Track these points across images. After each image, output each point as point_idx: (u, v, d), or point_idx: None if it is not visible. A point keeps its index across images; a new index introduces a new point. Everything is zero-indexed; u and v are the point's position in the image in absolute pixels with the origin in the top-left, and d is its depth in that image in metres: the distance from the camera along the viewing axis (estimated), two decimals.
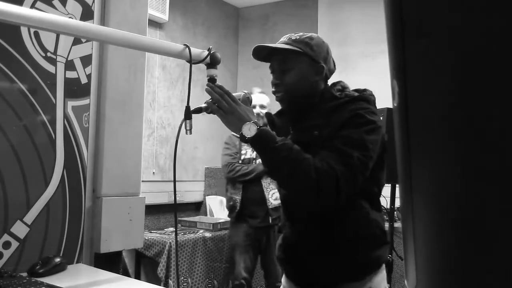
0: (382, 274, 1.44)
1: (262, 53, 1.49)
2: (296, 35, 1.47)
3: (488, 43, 0.39)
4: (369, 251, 1.40)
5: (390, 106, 0.64)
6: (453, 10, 0.41)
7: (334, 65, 1.54)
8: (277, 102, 1.50)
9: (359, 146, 1.29)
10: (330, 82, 1.54)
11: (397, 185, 2.61)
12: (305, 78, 1.45)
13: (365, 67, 4.34)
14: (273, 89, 1.48)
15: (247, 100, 1.44)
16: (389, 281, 2.73)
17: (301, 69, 1.44)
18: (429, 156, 0.45)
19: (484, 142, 0.41)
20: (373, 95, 1.44)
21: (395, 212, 2.88)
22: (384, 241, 1.45)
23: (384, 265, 1.45)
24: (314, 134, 1.36)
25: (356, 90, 1.45)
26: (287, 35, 1.49)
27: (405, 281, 0.53)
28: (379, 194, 1.46)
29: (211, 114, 1.38)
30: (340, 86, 1.47)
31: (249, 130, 1.29)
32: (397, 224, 2.90)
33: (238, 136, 1.33)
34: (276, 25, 4.92)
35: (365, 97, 1.40)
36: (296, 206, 1.49)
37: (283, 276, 1.60)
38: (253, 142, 1.30)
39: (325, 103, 1.42)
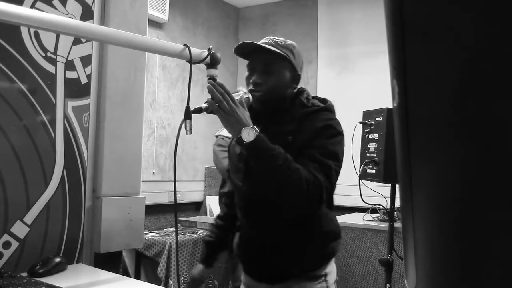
0: (333, 264, 1.60)
1: (244, 50, 1.52)
2: (280, 39, 1.52)
3: (488, 42, 0.39)
4: (327, 245, 1.55)
5: (390, 106, 0.64)
6: (453, 10, 0.41)
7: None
8: (254, 101, 1.51)
9: (334, 157, 1.42)
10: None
11: (397, 185, 2.61)
12: (285, 83, 1.51)
13: (365, 67, 4.34)
14: (252, 88, 1.49)
15: (247, 101, 1.44)
16: (389, 281, 2.73)
17: (283, 74, 1.50)
18: (429, 156, 0.45)
19: (484, 142, 0.41)
20: (333, 106, 1.57)
21: (395, 212, 2.88)
22: (339, 235, 1.60)
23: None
24: (288, 139, 1.44)
25: (315, 98, 1.57)
26: (271, 37, 1.53)
27: (405, 281, 0.53)
28: (333, 193, 1.56)
29: (211, 114, 1.38)
30: (306, 94, 1.56)
31: (248, 135, 1.32)
32: (397, 224, 2.90)
33: (231, 137, 1.34)
34: (276, 25, 4.93)
35: (329, 108, 1.53)
36: (263, 207, 1.51)
37: (242, 273, 1.67)
38: (251, 147, 1.33)
39: (296, 110, 1.50)
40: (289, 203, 1.43)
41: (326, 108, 1.51)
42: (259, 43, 1.50)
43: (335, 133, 1.46)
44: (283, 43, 1.50)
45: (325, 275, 1.54)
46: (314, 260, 1.54)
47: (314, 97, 1.57)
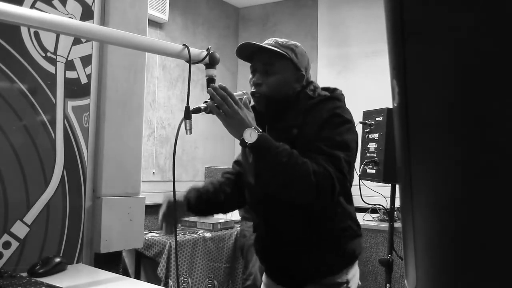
0: (356, 267, 1.53)
1: (247, 52, 1.50)
2: (282, 40, 1.51)
3: (488, 42, 0.39)
4: (345, 244, 1.48)
5: (390, 106, 0.64)
6: (454, 10, 0.41)
7: (310, 77, 1.58)
8: (256, 103, 1.50)
9: (342, 147, 1.36)
10: None
11: (397, 185, 2.61)
12: (287, 83, 1.48)
13: (365, 67, 4.34)
14: (253, 89, 1.48)
15: (247, 100, 1.43)
16: (389, 281, 2.73)
17: (284, 74, 1.47)
18: (429, 156, 0.45)
19: (484, 142, 0.41)
20: (343, 94, 1.52)
21: (395, 212, 2.88)
22: (358, 234, 1.53)
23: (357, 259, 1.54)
24: (293, 132, 1.41)
25: (325, 89, 1.53)
26: (272, 39, 1.52)
27: (405, 281, 0.53)
28: (350, 187, 1.51)
29: (211, 114, 1.38)
30: (313, 86, 1.52)
31: (250, 136, 1.31)
32: (397, 224, 2.90)
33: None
34: (276, 25, 4.93)
35: (337, 96, 1.48)
36: (278, 206, 1.47)
37: (264, 273, 1.65)
38: (254, 148, 1.32)
39: (301, 103, 1.46)
40: (300, 198, 1.36)
41: (332, 97, 1.46)
42: (263, 44, 1.49)
43: (342, 121, 1.40)
44: (284, 43, 1.48)
45: (347, 282, 1.47)
46: (334, 262, 1.47)
47: (324, 88, 1.53)
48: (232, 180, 1.65)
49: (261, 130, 1.32)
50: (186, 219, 4.05)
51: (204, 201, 1.57)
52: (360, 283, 1.56)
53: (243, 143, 1.31)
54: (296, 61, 1.48)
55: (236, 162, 1.71)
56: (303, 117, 1.43)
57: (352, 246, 1.49)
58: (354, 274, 1.51)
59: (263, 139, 1.31)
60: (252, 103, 1.48)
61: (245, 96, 1.41)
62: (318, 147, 1.34)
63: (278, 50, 1.45)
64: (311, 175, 1.27)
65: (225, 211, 1.73)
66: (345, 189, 1.40)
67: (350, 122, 1.43)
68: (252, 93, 1.48)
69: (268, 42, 1.50)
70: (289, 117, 1.46)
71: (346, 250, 1.48)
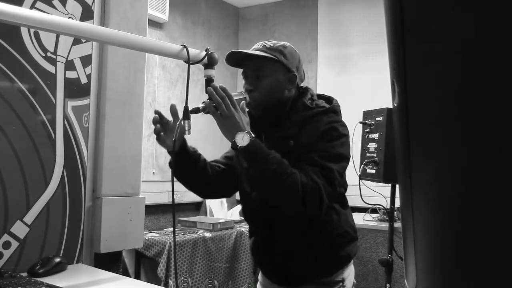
0: (351, 267, 1.57)
1: (236, 59, 1.51)
2: (270, 42, 1.51)
3: (488, 42, 0.39)
4: (341, 248, 1.51)
5: (390, 106, 0.64)
6: (453, 10, 0.41)
7: (304, 74, 1.59)
8: (251, 108, 1.49)
9: (336, 159, 1.38)
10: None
11: (397, 185, 2.61)
12: (279, 85, 1.48)
13: (365, 66, 4.34)
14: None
15: (244, 105, 1.43)
16: (389, 281, 2.73)
17: (275, 77, 1.47)
18: (429, 156, 0.45)
19: (484, 141, 0.41)
20: (339, 105, 1.53)
21: (395, 212, 2.88)
22: (354, 237, 1.55)
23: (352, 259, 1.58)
24: (290, 144, 1.41)
25: (320, 97, 1.54)
26: (260, 42, 1.53)
27: (405, 281, 0.53)
28: (345, 192, 1.55)
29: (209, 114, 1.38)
30: (310, 95, 1.52)
31: (242, 139, 1.31)
32: (397, 224, 2.90)
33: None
34: (276, 25, 4.92)
35: (334, 109, 1.49)
36: (275, 215, 1.48)
37: (259, 273, 1.67)
38: (244, 152, 1.32)
39: (298, 113, 1.47)
40: (286, 207, 1.37)
41: (330, 109, 1.47)
42: (251, 49, 1.50)
43: (338, 135, 1.41)
44: (272, 46, 1.48)
45: (343, 280, 1.51)
46: (329, 265, 1.50)
47: (320, 96, 1.54)
48: (220, 170, 1.67)
49: (254, 136, 1.32)
50: (186, 219, 4.05)
51: (194, 160, 1.61)
52: (355, 281, 1.59)
53: (234, 145, 1.32)
54: (286, 62, 1.47)
55: (226, 157, 1.70)
56: (300, 128, 1.43)
57: (348, 250, 1.52)
58: (349, 273, 1.54)
59: (254, 144, 1.31)
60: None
61: (242, 102, 1.42)
62: (312, 158, 1.35)
63: (266, 54, 1.45)
64: (298, 185, 1.28)
65: (203, 187, 1.69)
66: (339, 196, 1.44)
67: (345, 136, 1.45)
68: None
69: (256, 47, 1.50)
70: (286, 127, 1.46)
71: (342, 254, 1.51)
